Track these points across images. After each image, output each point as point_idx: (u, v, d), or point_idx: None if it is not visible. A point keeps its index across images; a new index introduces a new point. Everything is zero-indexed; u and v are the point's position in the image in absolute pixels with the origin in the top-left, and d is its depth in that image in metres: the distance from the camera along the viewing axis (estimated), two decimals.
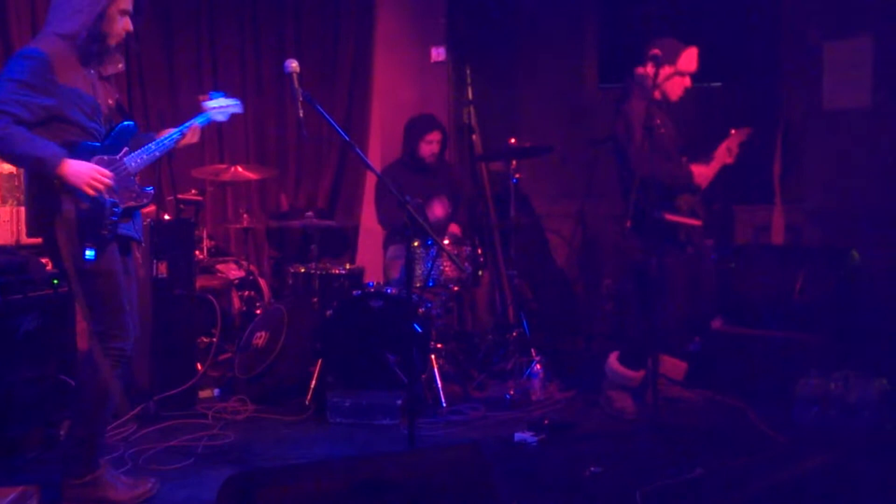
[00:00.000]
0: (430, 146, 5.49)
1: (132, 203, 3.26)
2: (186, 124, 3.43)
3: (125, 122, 3.28)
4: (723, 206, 6.09)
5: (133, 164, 3.24)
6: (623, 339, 4.71)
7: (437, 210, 5.36)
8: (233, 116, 6.56)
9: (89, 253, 3.06)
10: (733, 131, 4.45)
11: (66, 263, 3.06)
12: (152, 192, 3.34)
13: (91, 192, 3.06)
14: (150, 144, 3.31)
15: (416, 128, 5.54)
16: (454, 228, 5.44)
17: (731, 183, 6.07)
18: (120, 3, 3.19)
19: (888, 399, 4.15)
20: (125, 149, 3.24)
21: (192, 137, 3.46)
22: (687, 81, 4.42)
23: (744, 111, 6.21)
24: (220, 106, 3.50)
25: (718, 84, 6.51)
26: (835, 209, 5.67)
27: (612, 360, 4.50)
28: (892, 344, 4.50)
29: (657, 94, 4.35)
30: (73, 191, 3.04)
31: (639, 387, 4.46)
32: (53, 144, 3.03)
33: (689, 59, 4.39)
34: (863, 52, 5.67)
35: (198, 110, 3.50)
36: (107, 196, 3.11)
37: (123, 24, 3.22)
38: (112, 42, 3.23)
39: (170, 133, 3.39)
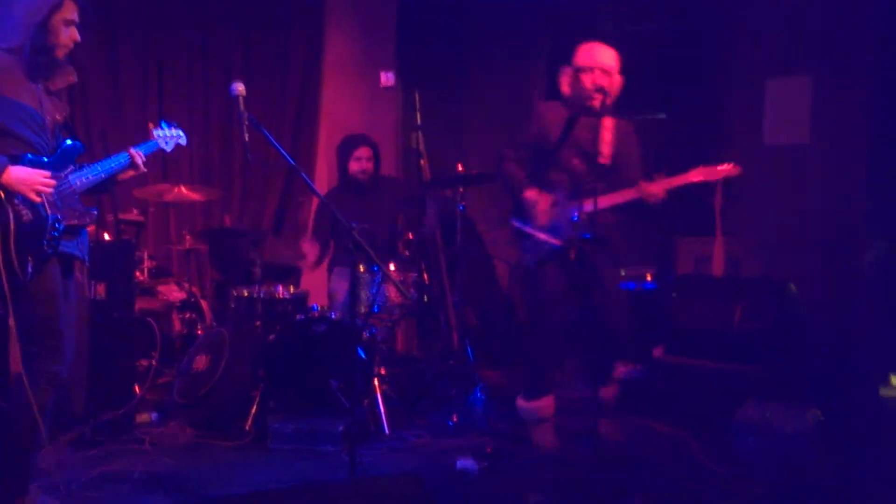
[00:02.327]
0: (358, 163, 5.47)
1: (75, 221, 3.22)
2: (134, 149, 3.42)
3: (72, 141, 3.26)
4: (665, 237, 6.21)
5: (78, 182, 3.22)
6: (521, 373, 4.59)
7: None
8: None
9: (28, 268, 3.02)
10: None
11: (3, 278, 2.98)
12: (95, 213, 3.32)
13: (36, 197, 3.03)
14: (95, 165, 3.31)
15: (345, 146, 5.56)
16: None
17: (673, 214, 6.22)
18: (63, 13, 3.15)
19: (821, 429, 4.26)
20: (70, 167, 3.22)
21: (137, 168, 3.44)
22: (594, 77, 4.15)
23: (689, 144, 6.35)
24: (167, 135, 3.52)
25: (664, 116, 6.65)
26: (774, 241, 5.82)
27: (518, 401, 4.45)
28: (827, 376, 4.63)
29: (571, 97, 4.27)
30: (17, 201, 3.00)
31: (555, 414, 4.38)
32: None
33: (585, 54, 4.19)
34: (802, 89, 5.86)
35: (145, 133, 3.51)
36: (49, 211, 3.08)
37: (70, 35, 3.18)
38: (59, 53, 3.19)
39: (116, 156, 3.38)
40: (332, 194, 5.59)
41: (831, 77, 5.71)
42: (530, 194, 4.26)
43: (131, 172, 3.45)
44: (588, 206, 4.06)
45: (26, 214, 3.03)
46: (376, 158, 5.58)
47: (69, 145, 3.24)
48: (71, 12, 3.18)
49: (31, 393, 3.13)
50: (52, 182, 3.10)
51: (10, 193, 3.00)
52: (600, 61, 4.18)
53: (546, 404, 4.38)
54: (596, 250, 4.17)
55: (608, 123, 4.27)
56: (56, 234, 3.12)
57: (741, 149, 6.10)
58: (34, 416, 3.17)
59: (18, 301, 3.06)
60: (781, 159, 5.90)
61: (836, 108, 5.66)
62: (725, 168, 4.15)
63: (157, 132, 3.52)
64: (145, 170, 3.47)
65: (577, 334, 4.26)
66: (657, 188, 4.10)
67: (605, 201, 4.17)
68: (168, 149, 3.54)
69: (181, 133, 3.59)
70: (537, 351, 4.37)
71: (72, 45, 3.22)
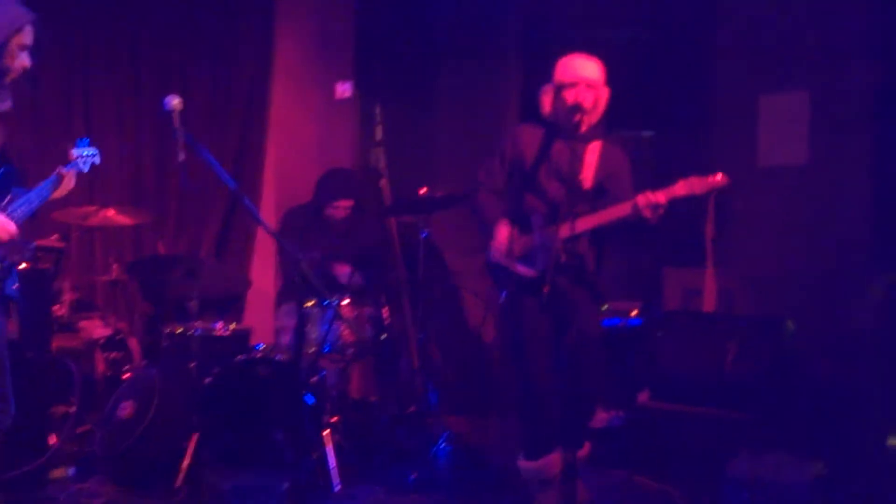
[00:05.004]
0: (336, 211, 5.56)
1: (17, 257, 3.23)
2: (54, 173, 3.46)
3: (7, 167, 3.23)
4: (651, 267, 6.20)
5: (17, 213, 3.19)
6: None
7: (340, 272, 5.35)
8: (106, 153, 6.45)
9: None
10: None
11: None
12: (34, 246, 3.31)
13: None
14: (30, 194, 3.33)
15: (327, 189, 5.58)
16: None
17: (660, 243, 6.21)
18: (21, 38, 3.19)
19: (824, 484, 4.23)
20: (8, 196, 3.19)
21: (68, 185, 3.50)
22: (578, 93, 4.05)
23: (676, 163, 6.35)
24: (83, 155, 3.56)
25: (650, 133, 6.68)
26: (770, 274, 5.82)
27: (519, 462, 4.24)
28: (829, 424, 4.61)
29: (552, 117, 4.19)
30: None
31: (560, 473, 4.12)
32: None
33: (566, 68, 4.12)
34: (800, 105, 5.89)
35: (66, 156, 3.54)
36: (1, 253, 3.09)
37: (21, 61, 3.22)
38: (9, 78, 3.23)
39: (44, 183, 3.41)
40: (297, 216, 5.59)
41: (830, 92, 5.74)
42: (502, 230, 4.16)
43: (56, 194, 3.49)
44: (565, 231, 3.96)
45: None
46: (356, 209, 5.63)
47: (5, 172, 3.22)
48: (28, 37, 3.23)
49: None
50: (14, 231, 3.12)
51: None
52: (583, 75, 4.09)
53: (551, 462, 4.13)
54: (575, 284, 4.08)
55: (594, 146, 4.19)
56: (2, 274, 3.16)
57: (733, 171, 6.09)
58: None
59: None
60: (778, 182, 5.91)
61: (837, 125, 5.69)
62: (714, 179, 4.01)
63: (74, 151, 3.53)
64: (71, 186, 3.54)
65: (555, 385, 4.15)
66: (660, 197, 3.87)
67: (590, 221, 4.04)
68: (85, 169, 3.56)
69: (96, 151, 3.68)
70: (531, 403, 4.18)
71: (21, 72, 3.25)
